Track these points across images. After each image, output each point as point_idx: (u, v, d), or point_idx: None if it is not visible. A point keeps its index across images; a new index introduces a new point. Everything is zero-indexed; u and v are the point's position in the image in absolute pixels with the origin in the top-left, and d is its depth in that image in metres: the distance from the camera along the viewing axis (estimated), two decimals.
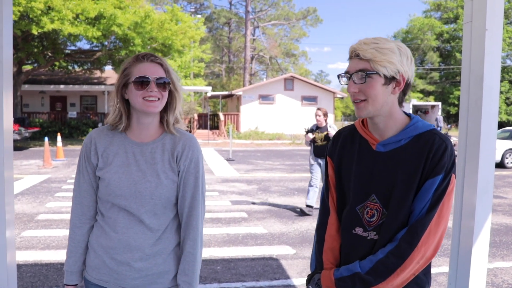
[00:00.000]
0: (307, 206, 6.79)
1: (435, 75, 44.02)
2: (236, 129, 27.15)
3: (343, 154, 1.55)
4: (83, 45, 34.65)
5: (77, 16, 17.53)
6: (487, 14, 1.98)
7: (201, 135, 25.09)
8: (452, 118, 40.15)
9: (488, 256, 2.19)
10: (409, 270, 1.37)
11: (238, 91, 28.36)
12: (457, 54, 42.03)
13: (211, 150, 18.46)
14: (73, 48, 22.85)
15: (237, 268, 4.40)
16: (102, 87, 25.46)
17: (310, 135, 6.72)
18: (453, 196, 1.41)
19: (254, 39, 46.57)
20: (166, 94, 1.56)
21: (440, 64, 45.02)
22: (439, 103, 26.54)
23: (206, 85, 35.16)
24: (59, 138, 14.35)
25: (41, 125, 22.86)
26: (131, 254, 1.55)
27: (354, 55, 1.40)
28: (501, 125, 34.26)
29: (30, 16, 16.41)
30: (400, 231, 1.39)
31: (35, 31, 16.63)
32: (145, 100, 1.51)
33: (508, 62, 41.50)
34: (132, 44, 19.14)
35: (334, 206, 1.57)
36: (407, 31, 45.71)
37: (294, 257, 4.78)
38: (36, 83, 24.72)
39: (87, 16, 17.29)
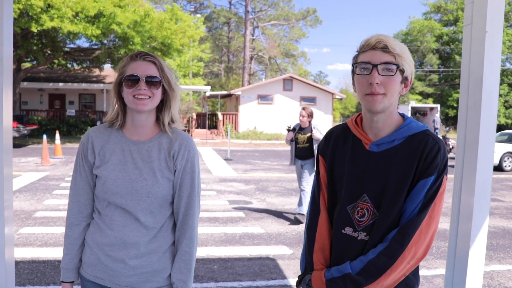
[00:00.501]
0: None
1: (434, 77, 44.09)
2: (235, 128, 27.14)
3: (336, 153, 1.55)
4: (83, 43, 34.65)
5: (77, 14, 17.52)
6: (488, 17, 1.98)
7: (199, 135, 25.08)
8: (450, 121, 40.21)
9: (484, 259, 2.20)
10: (400, 270, 1.37)
11: (237, 91, 28.35)
12: (457, 57, 42.11)
13: (209, 150, 18.45)
14: (72, 46, 22.83)
15: (234, 268, 4.40)
16: (101, 85, 25.42)
17: (291, 134, 6.47)
18: (444, 197, 1.41)
19: (253, 39, 46.57)
20: (157, 92, 1.56)
21: (440, 66, 45.10)
22: (438, 106, 26.58)
23: (205, 85, 35.16)
24: (57, 135, 14.33)
25: (40, 122, 22.83)
26: (126, 252, 1.56)
27: (381, 46, 1.37)
28: (499, 128, 34.34)
29: (30, 13, 16.38)
30: (391, 232, 1.39)
31: (34, 28, 16.60)
32: (135, 98, 1.52)
33: (508, 65, 41.58)
34: (131, 42, 19.12)
35: (325, 206, 1.56)
36: (407, 32, 45.77)
37: (291, 257, 4.78)
38: (35, 80, 24.68)
39: (87, 14, 17.27)
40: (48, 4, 16.59)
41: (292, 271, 4.35)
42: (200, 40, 31.85)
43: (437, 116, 25.44)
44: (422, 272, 4.38)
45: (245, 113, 27.83)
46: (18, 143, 17.99)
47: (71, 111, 24.80)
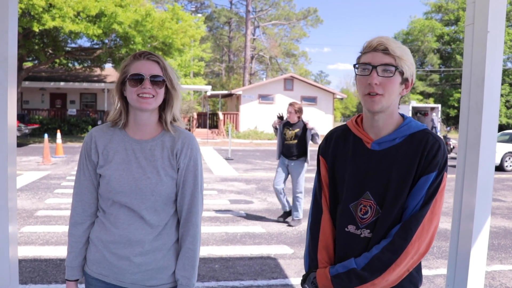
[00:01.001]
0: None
1: (435, 77, 44.08)
2: (235, 128, 27.16)
3: (337, 153, 1.58)
4: (84, 42, 34.66)
5: (78, 13, 17.53)
6: (489, 16, 1.99)
7: (200, 134, 25.09)
8: (451, 121, 40.19)
9: (486, 259, 2.20)
10: (404, 265, 1.40)
11: (237, 91, 28.36)
12: (458, 56, 42.05)
13: (210, 149, 18.46)
14: (73, 45, 22.87)
15: (235, 267, 4.41)
16: (102, 84, 25.43)
17: (278, 121, 6.21)
18: (444, 194, 1.45)
19: (254, 39, 46.57)
20: (161, 91, 1.58)
21: (440, 66, 45.08)
22: (439, 105, 26.56)
23: (206, 84, 35.18)
24: (58, 135, 14.35)
25: (41, 122, 22.86)
26: (131, 249, 1.57)
27: (382, 49, 1.41)
28: (500, 128, 34.32)
29: (32, 13, 16.39)
30: (393, 228, 1.42)
31: (36, 28, 16.62)
32: (139, 97, 1.54)
33: (509, 65, 41.55)
34: (132, 42, 19.14)
35: (327, 205, 1.59)
36: (408, 32, 45.76)
37: (292, 257, 4.79)
38: (37, 80, 24.70)
39: (88, 14, 17.29)
40: (50, 4, 16.61)
41: (293, 271, 4.36)
42: (201, 39, 31.88)
43: (434, 115, 25.45)
44: (423, 272, 4.38)
45: (246, 112, 27.83)
46: (20, 142, 18.02)
47: (72, 111, 24.83)
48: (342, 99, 35.52)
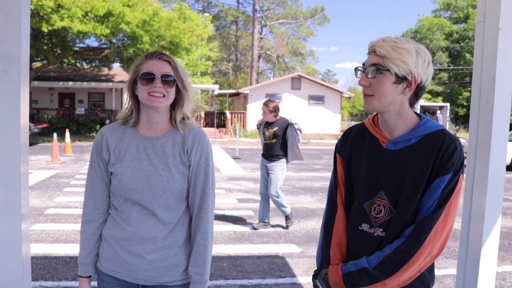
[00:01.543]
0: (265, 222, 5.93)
1: (444, 75, 43.76)
2: (243, 127, 27.17)
3: (353, 151, 1.58)
4: (92, 42, 34.84)
5: (86, 13, 17.63)
6: (501, 14, 1.98)
7: (207, 133, 25.11)
8: (460, 120, 39.89)
9: (496, 260, 2.19)
10: (416, 266, 1.39)
11: (245, 90, 28.37)
12: (467, 55, 41.72)
13: (217, 148, 18.50)
14: (82, 45, 22.99)
15: (243, 266, 4.43)
16: (110, 84, 25.58)
17: (259, 120, 5.92)
18: (460, 196, 1.43)
19: (261, 38, 46.55)
20: (172, 91, 1.59)
21: (449, 64, 44.75)
22: (448, 104, 26.38)
23: (213, 83, 35.23)
24: (67, 134, 14.46)
25: (50, 121, 23.05)
26: (143, 246, 1.59)
27: (372, 51, 1.43)
28: (511, 127, 34.01)
29: (41, 13, 16.52)
30: (407, 228, 1.41)
31: (45, 28, 16.75)
32: (150, 95, 1.56)
33: None
34: (140, 42, 19.21)
35: (342, 203, 1.60)
36: (416, 30, 45.46)
37: (300, 256, 4.79)
38: (45, 79, 24.90)
39: (96, 14, 17.38)
40: (59, 4, 16.73)
41: (301, 269, 4.36)
42: (208, 39, 31.91)
43: (439, 113, 25.31)
44: None
45: (253, 111, 27.83)
46: (29, 141, 18.10)
47: (80, 110, 25.00)
48: (349, 98, 35.39)
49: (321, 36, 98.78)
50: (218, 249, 4.93)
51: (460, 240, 2.23)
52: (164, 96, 1.57)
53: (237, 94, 29.85)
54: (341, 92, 29.51)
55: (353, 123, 35.60)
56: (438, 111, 25.43)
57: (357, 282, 1.43)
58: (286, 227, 5.96)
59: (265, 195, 5.85)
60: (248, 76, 45.46)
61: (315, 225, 6.18)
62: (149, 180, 1.58)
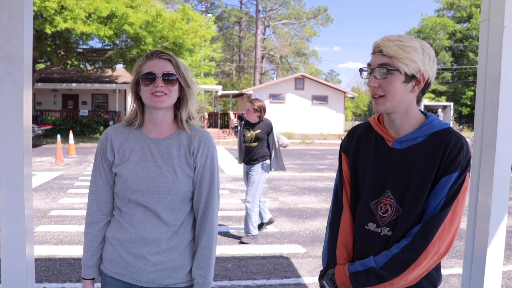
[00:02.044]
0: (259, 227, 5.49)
1: (447, 75, 43.61)
2: None
3: (359, 150, 1.57)
4: (95, 44, 34.98)
5: (90, 15, 17.70)
6: (506, 12, 1.96)
7: (211, 134, 25.13)
8: (464, 119, 39.73)
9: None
10: (424, 265, 1.39)
11: (248, 90, 28.38)
12: (470, 54, 41.56)
13: (221, 149, 18.50)
14: (85, 46, 23.08)
15: (247, 266, 4.42)
16: (113, 85, 25.66)
17: (236, 121, 5.45)
18: (467, 195, 1.43)
19: (264, 38, 46.56)
20: (174, 89, 1.58)
21: (453, 64, 44.59)
22: (451, 104, 26.30)
23: (217, 84, 35.29)
24: (71, 135, 14.51)
25: (53, 122, 23.13)
26: (147, 248, 1.58)
27: (377, 51, 1.42)
28: None
29: (44, 15, 16.60)
30: (414, 227, 1.41)
31: (48, 30, 16.83)
32: (152, 95, 1.54)
33: None
34: (143, 43, 19.27)
35: (347, 202, 1.59)
36: (419, 30, 45.35)
37: (305, 256, 4.78)
38: (49, 81, 25.01)
39: (99, 15, 17.45)
40: (62, 6, 16.80)
41: (306, 270, 4.35)
42: (212, 39, 31.96)
43: (440, 111, 25.27)
44: None
45: None
46: (33, 143, 18.19)
47: (84, 111, 25.08)
48: (353, 98, 35.37)
49: (324, 36, 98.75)
50: (223, 249, 4.93)
51: (466, 240, 2.22)
52: (166, 95, 1.55)
53: (241, 94, 29.86)
54: (344, 92, 29.47)
55: (357, 123, 35.52)
56: (439, 110, 25.41)
57: (364, 282, 1.42)
58: (241, 242, 5.20)
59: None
60: (252, 76, 45.48)
61: (320, 225, 6.17)
62: (154, 181, 1.57)
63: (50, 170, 11.18)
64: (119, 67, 26.02)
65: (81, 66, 24.61)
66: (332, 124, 28.43)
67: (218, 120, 26.81)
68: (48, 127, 20.01)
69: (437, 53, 43.76)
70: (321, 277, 1.56)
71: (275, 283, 3.99)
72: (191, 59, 24.22)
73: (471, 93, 40.92)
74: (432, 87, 41.99)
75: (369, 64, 1.44)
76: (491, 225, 2.09)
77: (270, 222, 5.72)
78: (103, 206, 1.65)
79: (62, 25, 16.71)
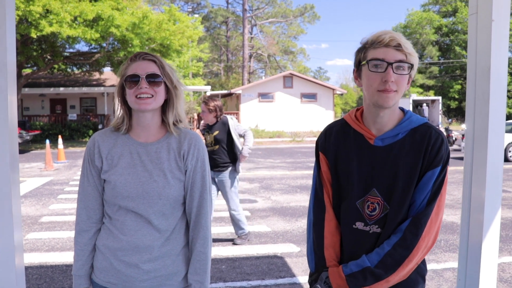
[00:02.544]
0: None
1: (435, 69, 43.96)
2: None
3: (339, 149, 1.55)
4: (82, 47, 34.68)
5: (75, 18, 17.50)
6: (493, 5, 1.96)
7: (201, 135, 25.08)
8: (452, 113, 40.08)
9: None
10: (415, 260, 1.41)
11: (237, 90, 28.34)
12: (457, 48, 41.93)
13: None
14: (71, 50, 22.82)
15: (242, 267, 4.39)
16: (102, 88, 25.44)
17: (202, 123, 5.11)
18: (447, 187, 1.47)
19: (252, 37, 46.53)
20: (160, 90, 1.53)
21: (440, 58, 44.96)
22: (439, 98, 26.50)
23: (205, 85, 35.17)
24: (60, 140, 14.35)
25: (42, 128, 22.86)
26: (139, 256, 1.54)
27: (394, 45, 1.40)
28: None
29: (29, 19, 16.37)
30: (402, 223, 1.43)
31: (34, 34, 16.60)
32: (137, 98, 1.50)
33: (510, 54, 41.46)
34: (130, 45, 19.10)
35: (330, 202, 1.57)
36: (406, 25, 45.62)
37: (299, 255, 4.77)
38: (36, 86, 24.71)
39: (85, 18, 17.26)
40: (47, 10, 16.58)
41: (300, 269, 4.33)
42: (199, 40, 31.85)
43: (425, 105, 25.53)
44: (431, 266, 4.36)
45: (246, 111, 27.81)
46: (21, 149, 18.01)
47: (72, 115, 24.84)
48: (342, 94, 35.48)
49: (311, 33, 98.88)
50: (216, 251, 4.89)
51: (461, 233, 2.22)
52: (152, 96, 1.51)
53: (230, 94, 29.81)
54: (333, 89, 29.56)
55: None
56: (424, 104, 25.68)
57: (361, 283, 1.41)
58: (234, 243, 5.12)
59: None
60: (240, 76, 45.43)
61: None
62: (143, 186, 1.53)
63: (40, 175, 11.04)
64: (107, 70, 25.78)
65: (68, 70, 24.35)
66: (322, 121, 28.50)
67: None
68: (37, 132, 19.77)
69: (424, 48, 44.11)
70: (314, 281, 1.53)
71: (270, 283, 3.97)
72: (179, 60, 24.11)
73: (459, 86, 41.28)
74: (420, 81, 42.38)
75: (381, 59, 1.40)
76: (485, 218, 2.08)
77: (246, 236, 5.18)
78: (92, 214, 1.60)
79: (48, 29, 16.50)
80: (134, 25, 18.35)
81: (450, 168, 1.49)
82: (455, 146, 17.47)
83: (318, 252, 1.55)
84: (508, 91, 40.09)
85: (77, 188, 8.72)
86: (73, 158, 14.82)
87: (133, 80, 1.51)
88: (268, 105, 28.12)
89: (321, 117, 28.57)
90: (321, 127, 28.11)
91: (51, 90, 24.79)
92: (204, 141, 4.50)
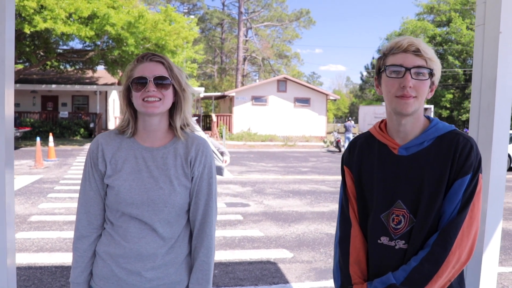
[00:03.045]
0: None
1: None
2: (229, 130, 27.09)
3: (363, 162, 1.51)
4: (76, 44, 34.42)
5: (70, 15, 17.36)
6: (501, 17, 1.95)
7: None
8: (444, 121, 40.38)
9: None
10: (445, 276, 1.33)
11: (230, 92, 28.30)
12: (450, 57, 42.31)
13: None
14: (65, 47, 22.63)
15: (235, 272, 4.35)
16: (94, 87, 25.25)
17: None
18: (481, 196, 1.38)
19: (246, 40, 46.58)
20: (168, 93, 1.48)
21: None
22: (432, 106, 26.72)
23: (199, 86, 35.05)
24: (50, 138, 14.20)
25: (32, 124, 22.60)
26: (142, 264, 1.48)
27: (413, 50, 1.36)
28: None
29: (23, 15, 16.20)
30: (430, 237, 1.35)
31: (27, 30, 16.43)
32: (144, 101, 1.45)
33: None
34: (125, 44, 18.98)
35: (355, 217, 1.52)
36: (400, 33, 45.91)
37: (292, 261, 4.74)
38: (28, 82, 24.44)
39: (80, 16, 17.13)
40: (41, 5, 16.43)
41: (293, 275, 4.30)
42: (194, 41, 31.78)
43: None
44: None
45: (239, 114, 27.77)
46: None
47: (64, 113, 24.59)
48: (335, 100, 35.60)
49: (305, 38, 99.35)
50: None
51: None
52: (160, 100, 1.46)
53: (223, 96, 29.76)
54: (326, 95, 29.65)
55: (339, 125, 35.77)
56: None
57: None
58: None
59: None
60: (234, 78, 45.42)
61: (305, 229, 6.14)
62: (149, 193, 1.47)
63: (29, 173, 10.89)
64: (100, 69, 25.61)
65: (61, 67, 24.14)
66: (315, 127, 28.56)
67: (200, 122, 26.63)
68: (27, 129, 19.56)
69: None
70: None
71: None
72: (174, 61, 24.00)
73: (451, 96, 41.69)
74: None
75: (399, 64, 1.37)
76: (487, 230, 2.07)
77: None
78: (93, 220, 1.54)
79: (42, 25, 16.34)
80: (129, 24, 18.26)
81: None
82: None
83: (343, 269, 1.51)
84: None
85: (67, 188, 8.60)
86: (64, 157, 14.66)
87: (140, 82, 1.45)
88: (261, 109, 28.11)
89: (314, 122, 28.63)
90: (313, 132, 28.17)
91: (43, 86, 24.54)
92: None
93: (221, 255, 4.85)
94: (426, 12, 46.92)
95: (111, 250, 1.51)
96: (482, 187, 1.37)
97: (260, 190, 9.34)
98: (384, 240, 1.43)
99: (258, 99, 28.27)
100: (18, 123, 20.68)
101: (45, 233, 5.59)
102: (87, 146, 19.00)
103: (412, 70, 1.35)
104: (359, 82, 59.47)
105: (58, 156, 14.37)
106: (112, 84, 26.03)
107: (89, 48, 21.98)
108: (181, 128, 1.55)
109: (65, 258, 4.58)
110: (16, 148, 17.62)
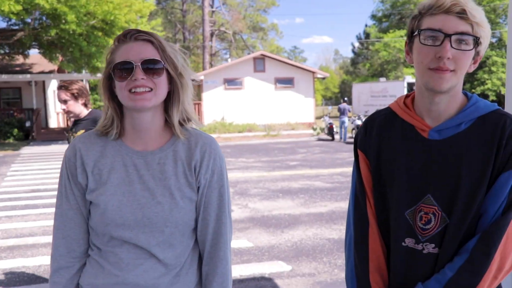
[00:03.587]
0: None
1: None
2: (199, 120, 27.00)
3: (382, 146, 1.49)
4: None
5: None
6: None
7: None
8: None
9: None
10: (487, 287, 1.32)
11: (199, 76, 28.15)
12: None
13: None
14: None
15: None
16: (28, 76, 24.69)
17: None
18: None
19: (213, 12, 46.26)
20: (161, 81, 1.39)
21: None
22: None
23: None
24: None
25: None
26: None
27: (457, 11, 1.30)
28: None
29: None
30: (468, 240, 1.33)
31: None
32: (131, 93, 1.36)
33: None
34: (63, 21, 18.60)
35: (373, 214, 1.50)
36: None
37: (291, 275, 4.75)
38: None
39: None
40: None
41: None
42: (150, 15, 31.40)
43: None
44: None
45: (209, 101, 27.68)
46: None
47: None
48: (324, 78, 35.83)
49: (284, 6, 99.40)
50: None
51: None
52: (151, 90, 1.37)
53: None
54: (313, 72, 29.81)
55: (330, 108, 36.00)
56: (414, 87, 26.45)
57: None
58: None
59: None
60: (200, 58, 45.18)
61: (302, 235, 6.16)
62: (144, 211, 1.39)
63: None
64: (34, 53, 25.04)
65: None
66: (301, 111, 28.69)
67: None
68: None
69: None
70: None
71: None
72: None
73: None
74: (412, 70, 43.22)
75: (437, 29, 1.31)
76: None
77: None
78: (75, 246, 1.47)
79: None
80: None
81: None
82: None
83: (361, 277, 1.49)
84: None
85: (2, 204, 8.35)
86: None
87: (125, 68, 1.36)
88: (236, 93, 28.06)
89: (300, 106, 28.77)
90: (300, 118, 28.31)
91: None
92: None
93: None
94: None
95: (99, 282, 1.43)
96: None
97: (243, 192, 9.35)
98: (409, 242, 1.41)
99: (231, 82, 28.20)
100: None
101: None
102: (23, 150, 18.61)
103: (453, 37, 1.30)
104: (351, 55, 60.03)
105: None
106: (51, 72, 25.50)
107: (16, 28, 21.44)
108: (181, 124, 1.48)
109: None
110: None
